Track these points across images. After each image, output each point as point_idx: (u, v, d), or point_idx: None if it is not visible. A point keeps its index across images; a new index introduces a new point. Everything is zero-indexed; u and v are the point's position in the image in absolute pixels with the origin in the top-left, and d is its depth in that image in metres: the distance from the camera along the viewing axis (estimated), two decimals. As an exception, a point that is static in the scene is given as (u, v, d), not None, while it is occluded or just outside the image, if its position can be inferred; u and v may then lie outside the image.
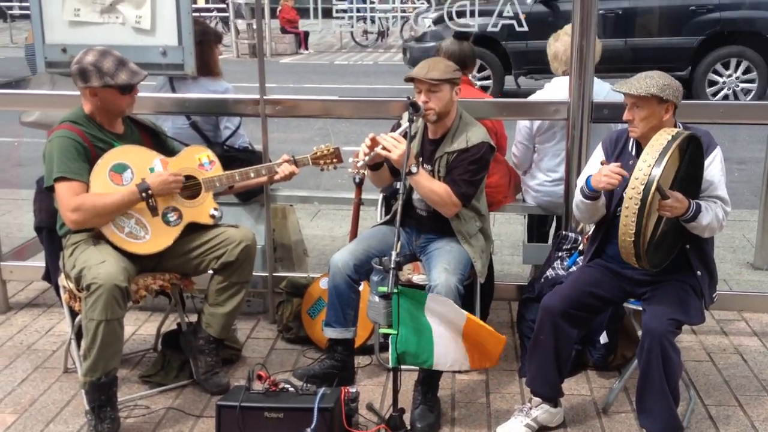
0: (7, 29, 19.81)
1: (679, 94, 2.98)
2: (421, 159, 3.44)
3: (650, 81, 2.93)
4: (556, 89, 3.94)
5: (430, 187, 3.29)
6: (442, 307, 2.85)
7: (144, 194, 3.17)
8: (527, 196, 4.16)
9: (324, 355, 3.58)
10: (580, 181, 3.15)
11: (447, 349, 2.89)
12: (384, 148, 3.22)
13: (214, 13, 20.73)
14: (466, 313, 2.86)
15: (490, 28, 4.01)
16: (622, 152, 3.15)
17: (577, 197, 3.13)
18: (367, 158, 3.27)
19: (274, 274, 4.17)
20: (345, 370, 3.48)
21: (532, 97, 4.07)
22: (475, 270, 3.41)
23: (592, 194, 3.04)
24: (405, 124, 3.26)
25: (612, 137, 3.23)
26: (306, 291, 3.93)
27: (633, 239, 2.77)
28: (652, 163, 2.71)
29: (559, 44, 3.96)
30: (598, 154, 3.24)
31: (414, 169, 3.23)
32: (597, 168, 3.19)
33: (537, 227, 4.50)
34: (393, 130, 3.37)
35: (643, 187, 2.70)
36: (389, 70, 14.70)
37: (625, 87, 2.96)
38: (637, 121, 2.98)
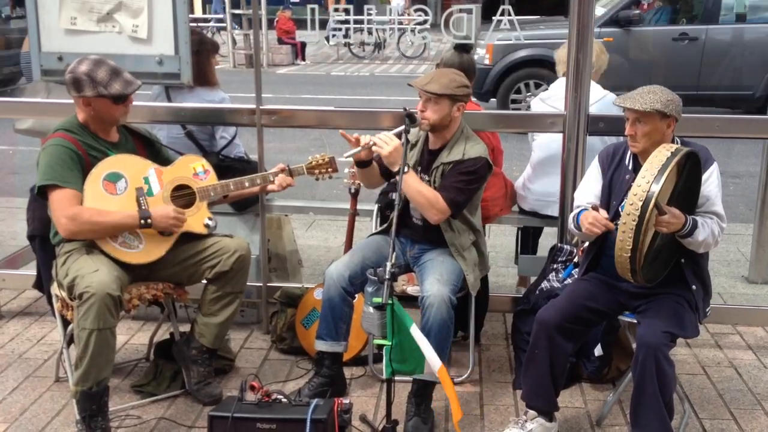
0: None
1: (681, 109, 2.99)
2: (419, 168, 3.44)
3: (654, 96, 2.93)
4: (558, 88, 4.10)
5: (418, 188, 3.27)
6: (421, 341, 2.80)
7: (143, 221, 3.16)
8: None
9: (312, 371, 3.56)
10: (576, 205, 3.20)
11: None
12: (375, 144, 3.22)
13: (212, 23, 20.76)
14: (440, 363, 2.75)
15: None
16: (618, 166, 3.15)
17: (571, 225, 3.17)
18: (353, 151, 3.27)
19: (268, 284, 4.15)
20: (334, 384, 3.45)
21: (537, 99, 4.22)
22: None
23: (580, 233, 3.10)
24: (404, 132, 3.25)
25: (609, 150, 3.23)
26: (300, 301, 3.91)
27: (629, 255, 2.76)
28: (650, 180, 2.70)
29: (562, 50, 4.12)
30: (594, 167, 3.24)
31: (404, 169, 3.21)
32: (593, 182, 3.21)
33: (531, 238, 4.51)
34: None
35: (641, 203, 2.69)
36: (385, 82, 14.72)
37: (628, 102, 2.95)
38: (639, 136, 2.98)
